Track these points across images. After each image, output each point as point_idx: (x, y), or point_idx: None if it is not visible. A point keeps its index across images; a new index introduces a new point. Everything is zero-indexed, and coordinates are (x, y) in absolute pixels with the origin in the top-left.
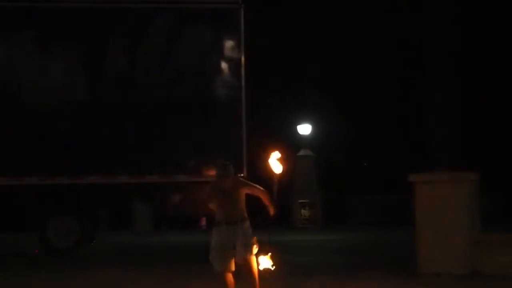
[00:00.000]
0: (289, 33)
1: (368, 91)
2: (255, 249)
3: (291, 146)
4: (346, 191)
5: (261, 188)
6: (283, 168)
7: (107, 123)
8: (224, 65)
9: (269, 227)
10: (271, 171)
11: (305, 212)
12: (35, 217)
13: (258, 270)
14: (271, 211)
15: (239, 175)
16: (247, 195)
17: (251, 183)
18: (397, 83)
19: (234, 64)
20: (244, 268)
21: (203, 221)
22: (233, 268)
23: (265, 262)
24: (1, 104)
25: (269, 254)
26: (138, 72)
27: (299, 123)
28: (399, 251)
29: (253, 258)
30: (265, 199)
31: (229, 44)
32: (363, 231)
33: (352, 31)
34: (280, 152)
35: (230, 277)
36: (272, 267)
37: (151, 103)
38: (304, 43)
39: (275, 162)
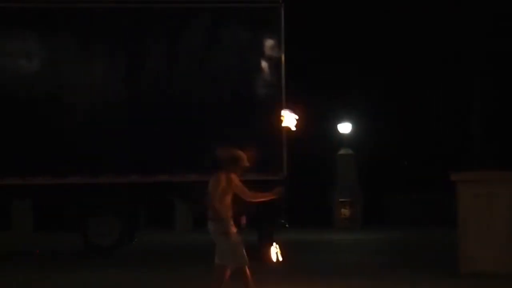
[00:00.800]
0: (330, 31)
1: (409, 89)
2: None
3: (332, 145)
4: (387, 190)
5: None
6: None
7: (147, 123)
8: (264, 64)
9: (311, 227)
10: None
11: (345, 211)
12: (77, 216)
13: None
14: None
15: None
16: None
17: None
18: (438, 82)
19: (274, 63)
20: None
21: (243, 220)
22: None
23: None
24: (43, 105)
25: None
26: (178, 72)
27: (339, 122)
28: (440, 251)
29: None
30: None
31: (269, 43)
32: (403, 230)
33: (392, 29)
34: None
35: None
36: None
37: (191, 103)
38: (344, 41)
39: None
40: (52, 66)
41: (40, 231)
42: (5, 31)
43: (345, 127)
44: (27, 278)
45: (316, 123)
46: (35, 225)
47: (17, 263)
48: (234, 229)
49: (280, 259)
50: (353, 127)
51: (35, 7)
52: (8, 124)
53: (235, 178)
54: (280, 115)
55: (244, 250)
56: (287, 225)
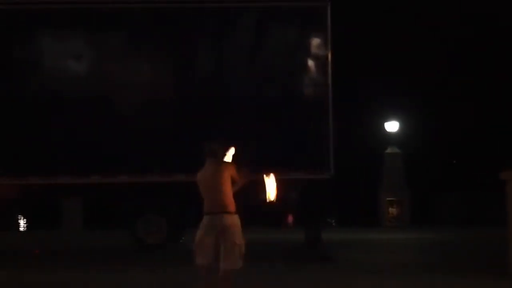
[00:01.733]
0: (377, 29)
1: (457, 87)
2: None
3: (379, 143)
4: (435, 189)
5: None
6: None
7: (195, 122)
8: (311, 63)
9: (358, 226)
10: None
11: (392, 210)
12: (126, 214)
13: None
14: None
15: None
16: None
17: None
18: (487, 80)
19: (321, 61)
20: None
21: (290, 219)
22: None
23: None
24: (92, 105)
25: None
26: (226, 71)
27: (386, 120)
28: (488, 250)
29: None
30: None
31: (316, 41)
32: (451, 229)
33: (443, 25)
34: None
35: None
36: None
37: (239, 102)
38: (392, 38)
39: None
40: (101, 66)
41: (90, 229)
42: (55, 32)
43: (392, 126)
44: (75, 275)
45: (363, 121)
46: (85, 224)
47: (68, 261)
48: None
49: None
50: (400, 125)
51: (84, 8)
52: (58, 124)
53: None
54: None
55: None
56: (334, 224)
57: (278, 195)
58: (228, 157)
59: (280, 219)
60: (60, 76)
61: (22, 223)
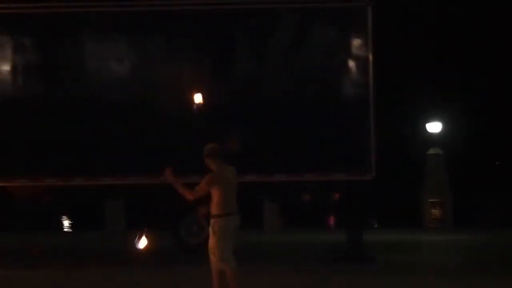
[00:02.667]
0: (419, 29)
1: (501, 88)
2: None
3: (421, 144)
4: (478, 190)
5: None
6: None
7: (235, 123)
8: (351, 64)
9: (400, 227)
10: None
11: (435, 212)
12: (169, 215)
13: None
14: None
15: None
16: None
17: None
18: None
19: (361, 62)
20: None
21: (332, 220)
22: None
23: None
24: (133, 107)
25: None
26: (267, 72)
27: (428, 121)
28: None
29: None
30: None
31: (356, 42)
32: (495, 231)
33: (485, 26)
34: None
35: None
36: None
37: (279, 103)
38: (434, 38)
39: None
40: (142, 69)
41: (132, 230)
42: (97, 35)
43: (434, 127)
44: (119, 274)
45: (405, 122)
46: (127, 224)
47: (110, 261)
48: None
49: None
50: (442, 126)
51: (125, 10)
52: (101, 126)
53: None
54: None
55: None
56: (375, 225)
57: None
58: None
59: (322, 220)
60: (103, 79)
61: (66, 223)
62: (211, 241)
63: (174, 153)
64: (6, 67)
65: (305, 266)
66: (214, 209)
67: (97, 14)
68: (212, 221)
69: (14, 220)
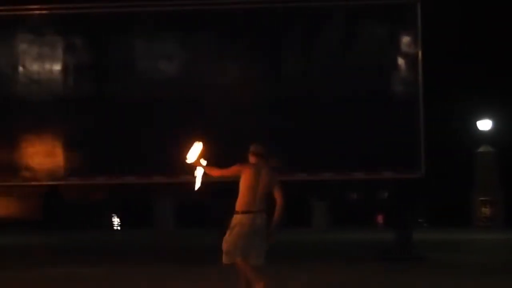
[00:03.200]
0: (469, 26)
1: None
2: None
3: (471, 142)
4: None
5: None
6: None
7: (284, 121)
8: (401, 61)
9: (450, 226)
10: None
11: (485, 210)
12: (215, 213)
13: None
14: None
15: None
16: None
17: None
18: None
19: (411, 59)
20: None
21: (380, 219)
22: None
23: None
24: (183, 106)
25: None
26: (315, 70)
27: (479, 119)
28: None
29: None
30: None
31: (405, 39)
32: None
33: None
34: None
35: None
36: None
37: (328, 101)
38: (484, 35)
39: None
40: (192, 67)
41: (181, 228)
42: (147, 34)
43: (485, 124)
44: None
45: (455, 120)
46: (176, 223)
47: (159, 260)
48: None
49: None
50: (493, 123)
51: (176, 10)
52: (151, 125)
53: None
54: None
55: None
56: (424, 224)
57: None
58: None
59: (370, 219)
60: (153, 78)
61: (116, 222)
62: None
63: (223, 151)
64: (57, 67)
65: (353, 265)
66: (237, 205)
67: (147, 14)
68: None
69: (65, 219)
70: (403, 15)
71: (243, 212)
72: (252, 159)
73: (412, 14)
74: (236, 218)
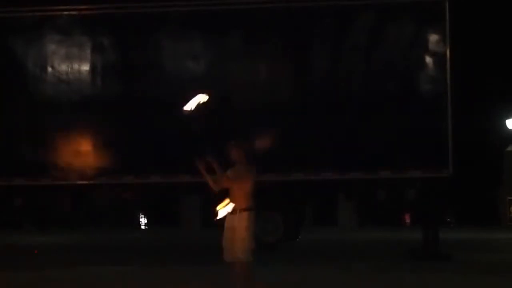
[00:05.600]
0: (497, 23)
1: None
2: None
3: (500, 140)
4: None
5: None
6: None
7: (311, 121)
8: (428, 59)
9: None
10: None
11: None
12: None
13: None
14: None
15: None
16: None
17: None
18: None
19: (438, 58)
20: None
21: (407, 218)
22: None
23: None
24: (213, 105)
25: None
26: (343, 69)
27: (507, 117)
28: None
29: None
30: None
31: (433, 37)
32: None
33: None
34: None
35: None
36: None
37: (356, 100)
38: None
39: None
40: (219, 67)
41: (207, 228)
42: (174, 34)
43: None
44: (192, 269)
45: (484, 118)
46: (203, 222)
47: (185, 257)
48: None
49: None
50: None
51: (203, 9)
52: (178, 124)
53: None
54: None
55: None
56: (452, 223)
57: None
58: None
59: (397, 218)
60: (180, 77)
61: (143, 221)
62: (242, 233)
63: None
64: (85, 67)
65: (380, 264)
66: (245, 202)
67: (174, 14)
68: (246, 213)
69: (94, 218)
70: (431, 13)
71: (254, 209)
72: (244, 156)
73: (440, 11)
74: (251, 214)
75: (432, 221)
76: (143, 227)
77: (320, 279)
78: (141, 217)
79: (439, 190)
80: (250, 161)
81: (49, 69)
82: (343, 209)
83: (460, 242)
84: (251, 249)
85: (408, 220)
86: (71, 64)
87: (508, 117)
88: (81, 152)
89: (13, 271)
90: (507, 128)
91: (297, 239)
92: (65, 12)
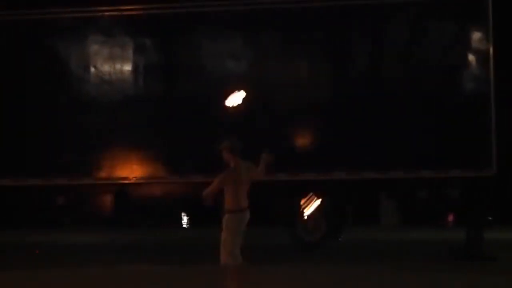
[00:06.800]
0: None
1: None
2: None
3: None
4: None
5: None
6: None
7: (351, 120)
8: (471, 57)
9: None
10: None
11: None
12: (285, 212)
13: None
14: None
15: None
16: None
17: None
18: None
19: (481, 56)
20: None
21: (450, 218)
22: None
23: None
24: (252, 105)
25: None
26: (382, 68)
27: None
28: None
29: None
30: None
31: (476, 35)
32: None
33: None
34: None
35: None
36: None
37: (396, 98)
38: None
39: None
40: (258, 66)
41: (249, 226)
42: (214, 34)
43: None
44: None
45: None
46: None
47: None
48: None
49: None
50: None
51: (242, 9)
52: (219, 123)
53: None
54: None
55: None
56: (496, 224)
57: None
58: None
59: (440, 217)
60: (220, 77)
61: (186, 220)
62: (224, 236)
63: (289, 151)
64: (128, 67)
65: (422, 265)
66: (228, 205)
67: (215, 13)
68: (226, 216)
69: (135, 217)
70: (473, 9)
71: (240, 210)
72: (232, 156)
73: (483, 7)
74: (233, 217)
75: (475, 221)
76: (185, 226)
77: (362, 278)
78: (184, 217)
79: (483, 189)
80: (236, 163)
81: (92, 69)
82: (385, 209)
83: (504, 242)
84: (230, 251)
85: (451, 220)
86: (113, 65)
87: None
88: (123, 152)
89: (52, 268)
90: None
91: (339, 239)
92: (107, 13)
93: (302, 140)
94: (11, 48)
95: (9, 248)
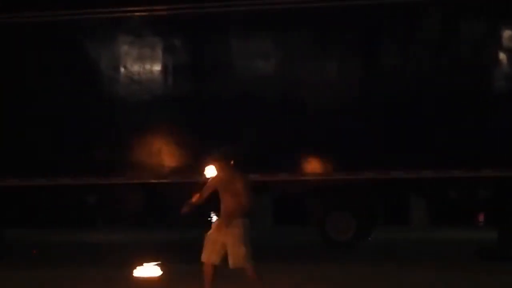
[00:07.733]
0: None
1: None
2: None
3: None
4: None
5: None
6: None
7: (380, 119)
8: (502, 56)
9: None
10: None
11: None
12: (315, 211)
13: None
14: None
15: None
16: None
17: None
18: None
19: None
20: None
21: (481, 217)
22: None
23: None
24: (283, 105)
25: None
26: (413, 66)
27: None
28: None
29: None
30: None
31: (507, 33)
32: None
33: None
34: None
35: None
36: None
37: (427, 98)
38: None
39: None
40: (288, 66)
41: (280, 225)
42: (243, 33)
43: None
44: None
45: None
46: (275, 220)
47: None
48: None
49: None
50: None
51: (271, 8)
52: (250, 124)
53: None
54: None
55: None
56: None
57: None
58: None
59: (471, 217)
60: (250, 76)
61: (214, 218)
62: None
63: (316, 151)
64: (157, 67)
65: (452, 265)
66: (245, 208)
67: (243, 13)
68: (243, 220)
69: (167, 217)
70: (504, 7)
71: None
72: (226, 165)
73: None
74: (246, 221)
75: (507, 221)
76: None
77: (392, 278)
78: (214, 216)
79: None
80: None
81: (122, 69)
82: (416, 208)
83: None
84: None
85: (482, 220)
86: (143, 65)
87: None
88: (153, 151)
89: (82, 268)
90: None
91: (369, 239)
92: (137, 13)
93: (331, 140)
94: (44, 49)
95: (54, 247)
